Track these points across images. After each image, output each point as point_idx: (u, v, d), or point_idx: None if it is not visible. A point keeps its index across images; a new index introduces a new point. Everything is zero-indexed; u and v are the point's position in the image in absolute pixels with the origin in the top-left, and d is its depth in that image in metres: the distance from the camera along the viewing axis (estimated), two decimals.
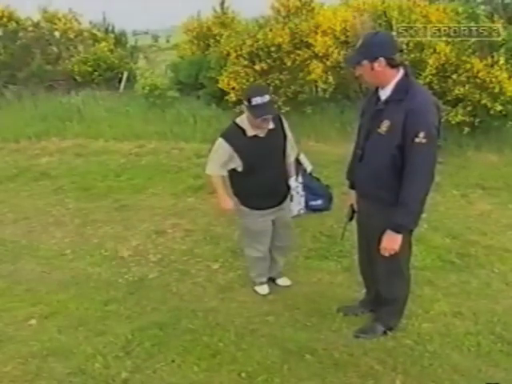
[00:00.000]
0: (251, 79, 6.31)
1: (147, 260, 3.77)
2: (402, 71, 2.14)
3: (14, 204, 5.15)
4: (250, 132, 2.64)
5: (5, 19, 8.24)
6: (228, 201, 2.83)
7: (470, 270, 3.39)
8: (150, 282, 3.42)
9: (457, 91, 5.64)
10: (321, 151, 6.06)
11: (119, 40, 11.47)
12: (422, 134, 2.01)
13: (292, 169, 2.95)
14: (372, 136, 2.23)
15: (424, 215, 4.24)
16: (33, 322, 2.91)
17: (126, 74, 8.49)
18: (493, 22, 6.14)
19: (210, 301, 3.11)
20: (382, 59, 2.07)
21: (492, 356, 2.49)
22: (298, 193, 3.01)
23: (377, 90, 2.25)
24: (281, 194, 2.87)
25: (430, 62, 5.63)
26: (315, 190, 4.39)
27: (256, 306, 3.02)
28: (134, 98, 7.87)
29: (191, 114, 7.04)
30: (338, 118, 6.57)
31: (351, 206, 2.60)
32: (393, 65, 2.10)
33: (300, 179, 3.14)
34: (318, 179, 4.70)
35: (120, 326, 2.81)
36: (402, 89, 2.10)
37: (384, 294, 2.56)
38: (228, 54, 6.52)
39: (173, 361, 2.45)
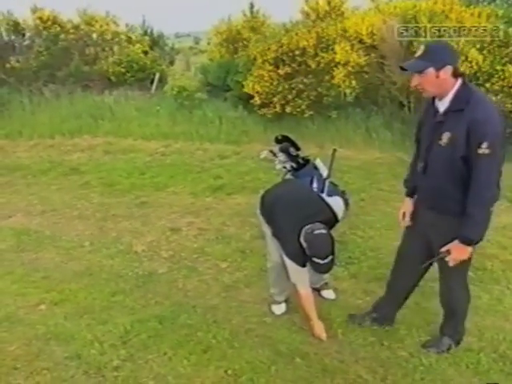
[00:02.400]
0: (275, 83, 6.35)
1: (159, 256, 3.88)
2: (460, 80, 2.08)
3: (44, 197, 5.44)
4: None
5: (49, 22, 8.78)
6: (322, 326, 2.67)
7: (484, 284, 3.25)
8: (158, 276, 3.53)
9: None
10: (344, 156, 5.99)
11: (157, 42, 11.86)
12: (484, 145, 1.95)
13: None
14: (433, 148, 2.17)
15: None
16: (43, 307, 3.08)
17: (157, 75, 8.78)
18: None
19: (212, 298, 3.17)
20: (449, 67, 2.03)
21: (491, 375, 2.38)
22: None
23: (433, 101, 2.20)
24: None
25: (461, 70, 5.44)
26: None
27: (256, 306, 3.05)
28: (163, 98, 8.12)
29: (217, 116, 7.17)
30: (363, 124, 6.48)
31: (403, 213, 2.53)
32: (456, 74, 2.06)
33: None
34: (335, 184, 4.65)
35: (122, 316, 2.92)
36: (463, 98, 2.05)
37: (448, 304, 2.50)
38: (255, 59, 6.60)
39: (165, 353, 2.52)
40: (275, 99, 6.47)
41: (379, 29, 5.51)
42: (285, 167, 4.35)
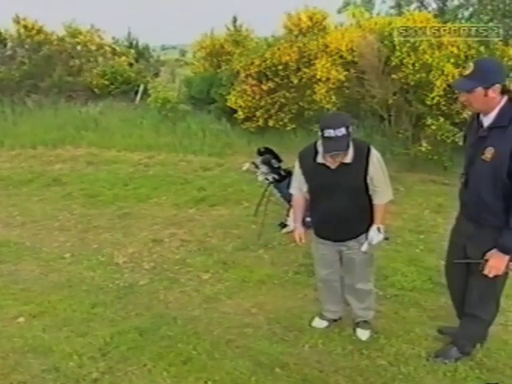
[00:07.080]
0: (257, 97, 6.45)
1: (140, 267, 3.86)
2: (505, 97, 2.11)
3: (25, 208, 5.36)
4: (320, 159, 2.42)
5: (34, 31, 8.77)
6: (298, 229, 2.65)
7: None
8: (139, 288, 3.50)
9: (465, 114, 5.59)
10: None
11: (142, 54, 11.91)
12: None
13: (378, 215, 2.49)
14: (476, 162, 2.19)
15: (421, 236, 4.28)
16: (21, 319, 3.02)
17: (141, 87, 8.82)
18: (506, 45, 6.14)
19: (194, 310, 3.16)
20: (497, 86, 2.06)
21: (468, 382, 2.42)
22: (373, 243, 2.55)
23: (478, 115, 2.23)
24: (344, 233, 2.56)
25: (438, 83, 5.62)
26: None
27: (237, 317, 3.05)
28: (148, 110, 8.14)
29: (201, 128, 7.23)
30: None
31: None
32: (503, 91, 2.09)
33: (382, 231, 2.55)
34: None
35: (102, 328, 2.89)
36: (507, 115, 2.08)
37: (473, 308, 2.45)
38: (238, 73, 6.69)
39: (144, 365, 2.50)
40: (258, 113, 6.56)
41: (358, 44, 5.65)
42: (267, 179, 4.41)
